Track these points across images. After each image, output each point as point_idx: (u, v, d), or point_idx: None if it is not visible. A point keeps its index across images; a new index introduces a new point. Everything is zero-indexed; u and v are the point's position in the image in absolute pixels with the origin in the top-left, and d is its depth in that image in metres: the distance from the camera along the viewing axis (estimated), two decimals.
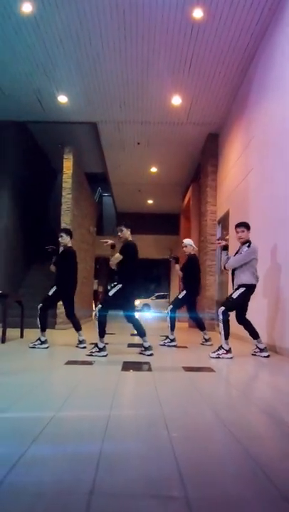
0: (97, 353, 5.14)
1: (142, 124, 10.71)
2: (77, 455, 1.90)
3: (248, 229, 5.66)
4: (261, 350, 5.53)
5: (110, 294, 5.42)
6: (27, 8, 6.61)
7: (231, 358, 5.24)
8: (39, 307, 6.02)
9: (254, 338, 5.64)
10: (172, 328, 6.76)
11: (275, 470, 1.77)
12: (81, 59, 7.99)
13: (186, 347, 6.63)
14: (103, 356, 5.10)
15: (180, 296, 7.13)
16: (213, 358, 5.24)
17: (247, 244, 5.57)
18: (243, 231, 5.64)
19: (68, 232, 6.50)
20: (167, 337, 6.79)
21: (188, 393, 3.32)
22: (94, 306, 15.96)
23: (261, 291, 6.16)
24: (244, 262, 5.48)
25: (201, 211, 11.95)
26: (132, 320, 5.54)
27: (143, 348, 5.47)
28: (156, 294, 31.65)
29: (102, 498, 1.46)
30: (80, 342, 6.06)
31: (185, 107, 9.69)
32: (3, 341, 6.35)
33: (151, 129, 10.99)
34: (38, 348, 5.85)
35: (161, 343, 6.75)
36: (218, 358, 5.23)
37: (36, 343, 5.92)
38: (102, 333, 5.23)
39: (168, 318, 6.85)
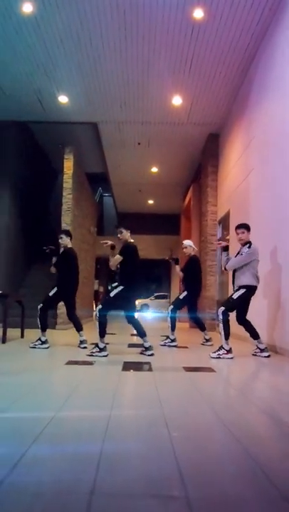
0: (97, 353, 5.14)
1: (143, 124, 10.71)
2: (78, 455, 1.90)
3: (248, 230, 5.66)
4: (262, 351, 5.53)
5: (111, 294, 5.41)
6: (28, 8, 6.62)
7: (232, 358, 5.24)
8: (39, 307, 6.02)
9: (254, 339, 5.64)
10: (173, 328, 6.76)
11: (274, 470, 1.77)
12: (82, 59, 7.99)
13: (186, 347, 6.63)
14: (104, 356, 5.10)
15: (181, 297, 7.13)
16: (214, 358, 5.24)
17: (247, 246, 5.56)
18: (243, 232, 5.64)
19: (68, 234, 6.50)
20: (168, 337, 6.79)
21: (188, 393, 3.32)
22: (94, 306, 15.97)
23: (262, 291, 6.16)
24: (244, 262, 5.48)
25: (201, 211, 11.94)
26: (132, 320, 5.54)
27: (144, 348, 5.48)
28: (156, 294, 31.60)
29: (102, 498, 1.46)
30: (81, 342, 6.05)
31: (185, 107, 9.69)
32: (4, 341, 6.35)
33: (152, 129, 10.99)
34: (39, 348, 5.85)
35: (162, 343, 6.74)
36: (219, 358, 5.23)
37: (37, 343, 5.92)
38: (102, 333, 5.24)
39: (168, 319, 6.84)
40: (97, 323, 5.29)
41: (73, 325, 6.37)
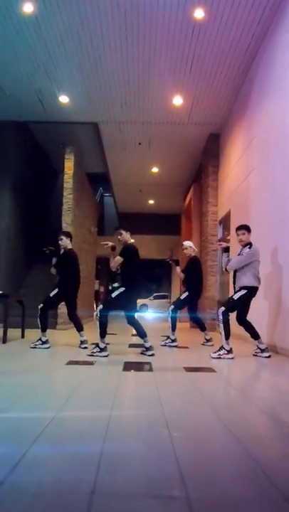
0: (98, 353, 5.15)
1: (143, 124, 10.71)
2: (78, 455, 1.90)
3: (248, 231, 5.66)
4: (262, 351, 5.53)
5: (113, 295, 5.41)
6: (28, 8, 6.62)
7: (232, 358, 5.24)
8: (39, 307, 6.02)
9: (255, 339, 5.64)
10: (173, 328, 6.76)
11: (275, 470, 1.77)
12: (82, 59, 7.99)
13: (187, 347, 6.62)
14: (104, 356, 5.10)
15: (182, 297, 7.12)
16: (214, 358, 5.24)
17: (248, 246, 5.57)
18: (243, 234, 5.64)
19: (68, 235, 6.50)
20: (168, 337, 6.79)
21: (189, 393, 3.32)
22: (95, 306, 15.97)
23: (262, 291, 6.16)
24: (245, 263, 5.47)
25: (202, 211, 11.94)
26: (131, 321, 5.54)
27: (144, 349, 5.48)
28: (155, 295, 31.57)
29: (103, 498, 1.46)
30: (82, 342, 6.05)
31: (186, 107, 9.69)
32: (4, 341, 6.36)
33: (153, 129, 10.99)
34: (39, 348, 5.85)
35: (163, 343, 6.74)
36: (219, 358, 5.23)
37: (37, 343, 5.92)
38: (103, 333, 5.23)
39: (169, 319, 6.85)
40: (98, 323, 5.29)
41: (74, 325, 6.37)
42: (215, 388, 3.70)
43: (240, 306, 5.58)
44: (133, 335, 7.49)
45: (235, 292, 5.59)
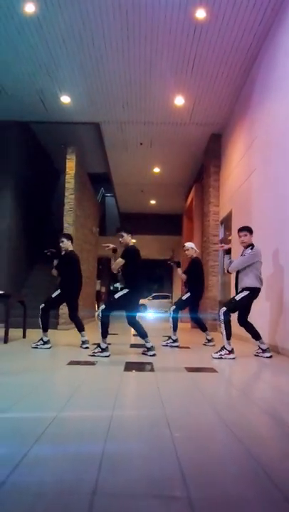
0: (99, 354, 5.15)
1: (145, 124, 10.71)
2: (80, 455, 1.90)
3: (250, 233, 5.66)
4: (264, 351, 5.52)
5: (116, 296, 5.42)
6: (30, 8, 6.62)
7: (234, 358, 5.24)
8: (41, 307, 6.02)
9: (256, 340, 5.63)
10: (175, 328, 6.76)
11: (276, 470, 1.77)
12: (84, 59, 8.00)
13: (188, 347, 6.62)
14: (106, 356, 5.10)
15: (184, 298, 7.12)
16: (216, 358, 5.24)
17: (250, 247, 5.56)
18: (245, 235, 5.64)
19: (69, 237, 6.51)
20: (170, 337, 6.79)
21: (190, 393, 3.32)
22: (96, 306, 15.98)
23: (264, 292, 6.14)
24: (247, 264, 5.47)
25: (203, 211, 11.94)
26: (132, 321, 5.54)
27: (146, 349, 5.48)
28: (154, 295, 31.54)
29: (104, 498, 1.46)
30: (83, 342, 6.06)
31: (188, 107, 9.69)
32: (6, 341, 6.36)
33: (154, 129, 10.99)
34: (41, 348, 5.85)
35: (164, 343, 6.74)
36: (221, 358, 5.23)
37: (39, 344, 5.92)
38: (104, 333, 5.23)
39: (170, 319, 6.85)
40: (100, 323, 5.29)
41: (75, 326, 6.37)
42: (216, 388, 3.70)
43: (242, 307, 5.58)
44: (135, 335, 7.50)
45: (237, 293, 5.59)
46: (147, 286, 35.39)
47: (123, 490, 1.54)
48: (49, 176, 14.39)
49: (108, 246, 5.55)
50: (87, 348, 5.89)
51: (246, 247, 5.63)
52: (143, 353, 5.51)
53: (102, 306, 5.36)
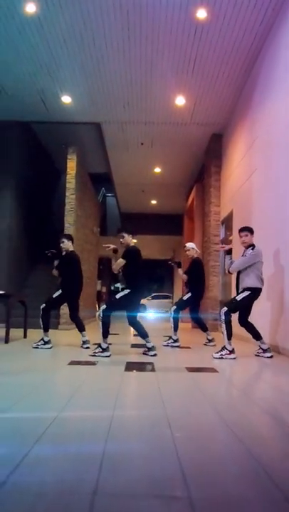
0: (100, 354, 5.15)
1: (146, 124, 10.71)
2: (81, 455, 1.90)
3: (251, 233, 5.66)
4: (264, 351, 5.52)
5: (117, 296, 5.42)
6: (31, 8, 6.62)
7: (234, 358, 5.24)
8: (42, 307, 6.02)
9: (257, 340, 5.63)
10: (175, 328, 6.76)
11: (277, 470, 1.77)
12: (85, 59, 8.00)
13: (189, 347, 6.62)
14: (106, 356, 5.10)
15: (185, 298, 7.12)
16: (217, 358, 5.23)
17: (251, 248, 5.56)
18: (246, 235, 5.64)
19: (69, 238, 6.51)
20: (170, 337, 6.79)
21: (191, 393, 3.32)
22: (97, 306, 15.97)
23: (265, 292, 6.14)
24: (248, 264, 5.47)
25: (204, 211, 11.93)
26: (133, 321, 5.54)
27: (146, 349, 5.48)
28: (153, 294, 31.49)
29: (105, 498, 1.46)
30: (84, 342, 6.06)
31: (189, 107, 9.69)
32: (7, 341, 6.36)
33: (155, 129, 10.99)
34: (42, 348, 5.85)
35: (165, 343, 6.74)
36: (222, 358, 5.23)
37: (39, 344, 5.93)
38: (105, 333, 5.24)
39: (171, 319, 6.85)
40: (101, 323, 5.29)
41: (76, 326, 6.37)
42: (217, 388, 3.70)
43: (243, 307, 5.58)
44: (135, 335, 7.50)
45: (238, 293, 5.59)
46: (148, 287, 35.36)
47: (124, 490, 1.54)
48: (50, 176, 14.40)
49: (109, 246, 5.56)
50: (87, 348, 5.89)
51: (247, 248, 5.63)
52: (144, 353, 5.51)
53: (103, 306, 5.36)
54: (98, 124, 10.85)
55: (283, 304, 5.89)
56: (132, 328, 5.84)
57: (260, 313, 6.25)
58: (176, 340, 6.70)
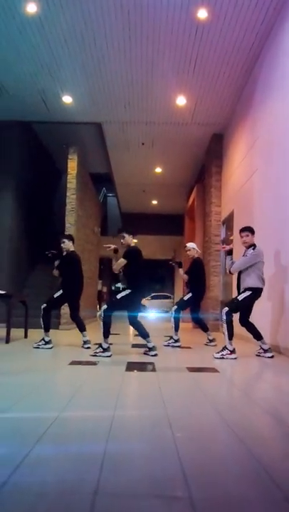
0: (101, 354, 5.15)
1: (147, 124, 10.71)
2: (81, 455, 1.90)
3: (252, 233, 5.65)
4: (265, 351, 5.52)
5: (118, 296, 5.42)
6: (31, 8, 6.62)
7: (235, 358, 5.23)
8: (42, 307, 6.03)
9: (257, 340, 5.63)
10: (176, 328, 6.76)
11: (278, 470, 1.77)
12: (86, 59, 8.00)
13: (190, 347, 6.62)
14: (107, 356, 5.10)
15: (185, 298, 7.12)
16: (217, 358, 5.23)
17: (252, 248, 5.56)
18: (247, 235, 5.63)
19: (70, 238, 6.52)
20: (171, 337, 6.79)
21: (192, 394, 3.31)
22: (98, 306, 15.97)
23: (265, 292, 6.14)
24: (249, 264, 5.46)
25: (205, 212, 11.93)
26: (133, 321, 5.54)
27: (147, 349, 5.48)
28: (152, 295, 31.45)
29: (106, 498, 1.46)
30: (85, 342, 6.06)
31: (190, 107, 9.69)
32: (8, 341, 6.36)
33: (156, 129, 10.99)
34: (42, 348, 5.86)
35: (165, 343, 6.74)
36: (222, 358, 5.22)
37: (40, 344, 5.93)
38: (106, 333, 5.24)
39: (172, 319, 6.84)
40: (102, 323, 5.29)
41: (76, 326, 6.37)
42: (218, 388, 3.69)
43: (244, 307, 5.57)
44: (136, 335, 7.50)
45: (239, 293, 5.58)
46: (149, 287, 35.36)
47: (125, 490, 1.54)
48: (51, 176, 14.40)
49: (109, 247, 5.56)
50: (88, 348, 5.89)
51: (248, 248, 5.62)
52: (144, 353, 5.51)
53: (104, 306, 5.36)
54: (99, 124, 10.85)
55: (284, 304, 5.89)
56: (133, 329, 5.84)
57: (260, 313, 6.24)
58: (176, 340, 6.70)
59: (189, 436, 2.22)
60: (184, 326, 7.87)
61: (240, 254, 5.86)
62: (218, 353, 5.32)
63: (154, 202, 19.01)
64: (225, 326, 5.33)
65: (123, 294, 5.38)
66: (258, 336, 5.60)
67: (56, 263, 6.26)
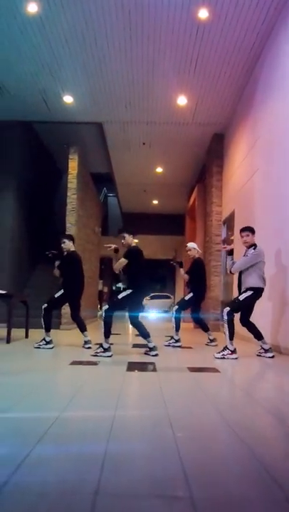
0: (102, 354, 5.15)
1: (148, 124, 10.71)
2: (82, 455, 1.90)
3: (252, 233, 5.65)
4: (266, 351, 5.51)
5: (119, 297, 5.42)
6: (32, 8, 6.63)
7: (236, 358, 5.23)
8: (43, 307, 6.03)
9: (258, 340, 5.62)
10: (177, 328, 6.75)
11: (279, 470, 1.76)
12: (86, 59, 8.00)
13: (190, 347, 6.62)
14: (108, 356, 5.10)
15: (186, 298, 7.12)
16: (218, 358, 5.23)
17: (253, 247, 5.55)
18: (247, 235, 5.62)
19: (70, 238, 6.52)
20: (172, 337, 6.79)
21: (193, 393, 3.31)
22: (99, 306, 15.97)
23: (266, 291, 6.13)
24: (250, 264, 5.46)
25: (206, 211, 11.93)
26: (134, 321, 5.53)
27: (148, 349, 5.48)
28: (152, 295, 31.42)
29: (107, 498, 1.45)
30: (86, 342, 6.06)
31: (190, 107, 9.68)
32: (8, 341, 6.36)
33: (157, 129, 10.99)
34: (43, 348, 5.86)
35: (166, 343, 6.74)
36: (223, 358, 5.22)
37: (41, 344, 5.93)
38: (107, 333, 5.24)
39: (173, 319, 6.84)
40: (103, 323, 5.29)
41: (77, 326, 6.37)
42: (219, 388, 3.69)
43: (245, 307, 5.57)
44: (137, 335, 7.50)
45: (240, 293, 5.58)
46: (150, 287, 35.34)
47: (125, 490, 1.53)
48: (51, 176, 14.40)
49: (110, 246, 5.57)
50: (89, 348, 5.89)
51: (249, 247, 5.61)
52: (145, 353, 5.51)
53: (106, 306, 5.36)
54: (100, 123, 10.85)
55: (285, 304, 5.88)
56: (134, 329, 5.83)
57: (261, 313, 6.24)
58: (177, 340, 6.70)
59: (190, 436, 2.22)
60: (184, 326, 7.87)
61: (241, 254, 5.85)
62: (219, 353, 5.31)
63: (155, 202, 19.01)
64: (226, 325, 5.32)
65: (124, 294, 5.38)
66: (258, 335, 5.60)
67: (57, 263, 6.25)
